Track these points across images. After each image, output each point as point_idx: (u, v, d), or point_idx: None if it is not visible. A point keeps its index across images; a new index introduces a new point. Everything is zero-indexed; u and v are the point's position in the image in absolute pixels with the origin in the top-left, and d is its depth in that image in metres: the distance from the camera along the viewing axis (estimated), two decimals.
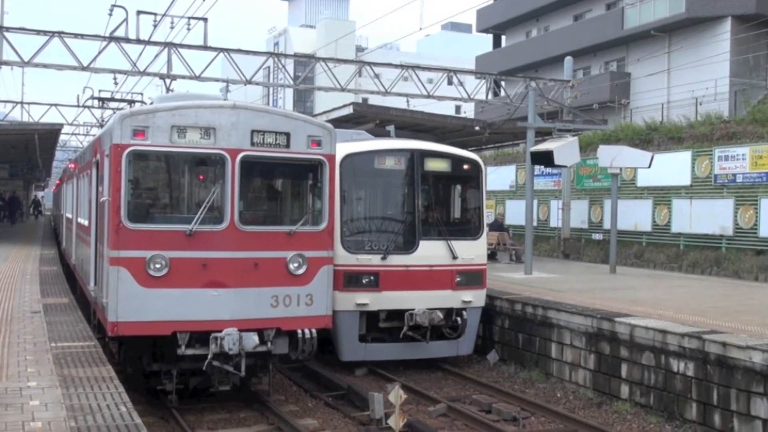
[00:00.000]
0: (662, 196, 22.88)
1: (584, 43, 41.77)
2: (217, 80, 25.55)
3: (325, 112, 23.43)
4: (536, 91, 22.25)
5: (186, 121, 10.05)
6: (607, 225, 23.39)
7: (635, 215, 23.49)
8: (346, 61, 28.06)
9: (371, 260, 13.37)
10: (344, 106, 21.13)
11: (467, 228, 14.68)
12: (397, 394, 9.11)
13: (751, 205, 19.92)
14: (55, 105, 34.42)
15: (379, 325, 13.66)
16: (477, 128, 22.60)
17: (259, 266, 10.29)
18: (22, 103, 34.40)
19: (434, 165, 14.24)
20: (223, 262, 10.12)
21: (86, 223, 13.49)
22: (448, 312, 13.88)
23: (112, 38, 21.82)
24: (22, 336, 9.92)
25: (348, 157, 13.46)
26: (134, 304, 9.82)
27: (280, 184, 11.93)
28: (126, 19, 21.74)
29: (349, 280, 13.18)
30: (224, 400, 11.31)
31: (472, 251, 14.15)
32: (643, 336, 11.51)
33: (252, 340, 10.02)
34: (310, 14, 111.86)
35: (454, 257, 13.84)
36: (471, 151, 17.95)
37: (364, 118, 21.28)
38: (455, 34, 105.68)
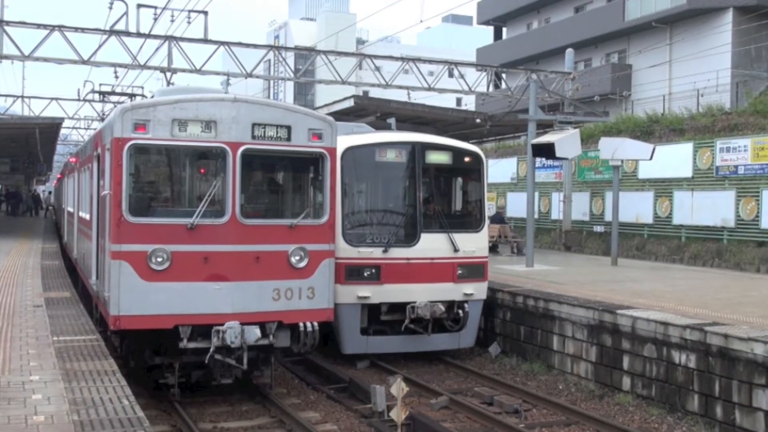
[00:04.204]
0: (664, 188, 22.86)
1: (585, 35, 41.68)
2: (217, 74, 25.56)
3: (325, 105, 23.40)
4: (537, 83, 22.21)
5: (187, 114, 10.04)
6: (608, 217, 23.38)
7: (637, 207, 23.47)
8: (346, 54, 28.05)
9: (372, 253, 13.37)
10: (345, 99, 21.10)
11: (468, 221, 14.68)
12: (398, 387, 9.11)
13: (753, 197, 19.89)
14: (56, 99, 34.34)
15: (381, 318, 13.67)
16: (478, 121, 22.56)
17: (260, 260, 10.29)
18: (22, 97, 34.30)
19: (435, 158, 14.23)
20: (224, 256, 10.12)
21: (88, 217, 13.49)
22: (450, 305, 13.89)
23: (112, 32, 21.81)
24: (24, 330, 9.93)
25: (349, 150, 13.45)
26: (136, 297, 9.82)
27: (281, 178, 11.92)
28: (126, 13, 21.75)
29: (351, 273, 13.19)
30: (226, 393, 11.33)
31: (473, 244, 14.15)
32: (644, 328, 11.51)
33: (254, 333, 10.03)
34: (311, 7, 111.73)
35: (456, 250, 13.84)
36: (472, 143, 17.93)
37: (365, 110, 21.26)
38: (456, 26, 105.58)
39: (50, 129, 31.06)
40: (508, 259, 21.85)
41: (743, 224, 20.21)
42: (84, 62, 21.88)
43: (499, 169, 30.03)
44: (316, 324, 10.73)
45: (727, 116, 23.13)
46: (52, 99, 34.21)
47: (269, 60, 29.33)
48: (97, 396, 6.96)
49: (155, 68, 23.61)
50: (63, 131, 39.33)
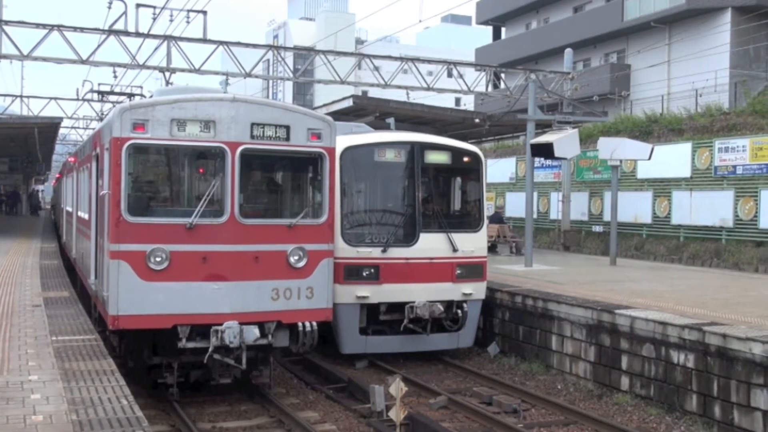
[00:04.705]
0: (662, 188, 22.87)
1: (584, 34, 41.70)
2: (216, 73, 25.55)
3: (324, 105, 23.42)
4: (536, 83, 22.21)
5: (186, 114, 10.04)
6: (607, 217, 23.39)
7: (635, 207, 23.48)
8: (345, 54, 28.05)
9: (371, 253, 13.37)
10: (344, 98, 21.11)
11: (467, 220, 14.69)
12: (397, 387, 9.12)
13: (751, 197, 19.91)
14: (55, 98, 34.31)
15: (380, 318, 13.68)
16: (477, 120, 22.58)
17: (259, 259, 10.29)
18: (21, 96, 34.27)
19: (434, 157, 14.23)
20: (223, 256, 10.12)
21: (86, 216, 13.49)
22: (449, 304, 13.90)
23: (111, 31, 21.79)
24: (23, 330, 9.93)
25: (348, 150, 13.46)
26: (135, 297, 9.82)
27: (280, 177, 11.92)
28: (125, 12, 21.73)
29: (350, 272, 13.19)
30: (225, 393, 11.33)
31: (472, 244, 14.15)
32: (643, 328, 11.52)
33: (252, 333, 10.02)
34: (310, 7, 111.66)
35: (455, 250, 13.84)
36: (471, 143, 17.94)
37: (364, 110, 21.27)
38: (455, 26, 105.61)
39: (49, 128, 31.06)
40: (507, 259, 21.85)
41: (742, 224, 20.22)
42: (83, 62, 21.87)
43: (497, 169, 30.03)
44: (314, 324, 10.73)
45: (725, 116, 23.15)
46: (50, 99, 34.20)
47: (268, 60, 29.29)
48: (95, 396, 6.96)
49: (154, 68, 23.60)
50: (62, 131, 39.30)
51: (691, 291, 14.85)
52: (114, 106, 21.32)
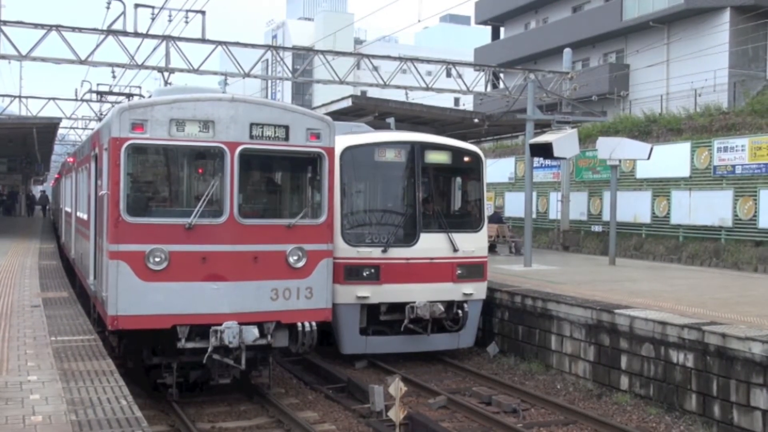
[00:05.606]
0: (661, 187, 22.87)
1: (583, 34, 41.72)
2: (215, 73, 25.54)
3: (324, 105, 23.40)
4: (535, 83, 22.20)
5: (185, 114, 10.03)
6: (606, 217, 23.38)
7: (634, 207, 23.48)
8: (344, 54, 28.08)
9: (372, 253, 13.36)
10: (343, 98, 21.10)
11: (468, 220, 14.68)
12: (397, 387, 9.12)
13: (750, 197, 19.91)
14: (54, 99, 34.30)
15: (380, 318, 13.67)
16: (476, 120, 22.58)
17: (258, 259, 10.29)
18: (20, 96, 34.27)
19: (434, 157, 14.22)
20: (222, 256, 10.11)
21: (85, 217, 13.48)
22: (449, 304, 13.89)
23: (109, 32, 21.78)
24: (22, 330, 9.92)
25: (348, 150, 13.45)
26: (134, 297, 9.82)
27: (279, 177, 11.91)
28: (124, 13, 21.71)
29: (350, 272, 13.18)
30: (224, 393, 11.33)
31: (472, 244, 14.14)
32: (642, 327, 11.52)
33: (252, 333, 10.02)
34: (309, 7, 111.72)
35: (455, 250, 13.83)
36: (470, 143, 17.93)
37: (363, 110, 21.26)
38: (454, 26, 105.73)
39: (48, 129, 31.01)
40: (506, 259, 21.84)
41: (741, 224, 20.23)
42: (81, 62, 21.85)
43: (497, 169, 30.03)
44: (314, 324, 10.73)
45: (724, 116, 23.15)
46: (49, 99, 34.18)
47: (267, 60, 29.29)
48: (95, 396, 6.95)
49: (153, 68, 23.59)
50: (60, 131, 39.25)
51: (691, 291, 14.85)
52: (113, 106, 21.29)
